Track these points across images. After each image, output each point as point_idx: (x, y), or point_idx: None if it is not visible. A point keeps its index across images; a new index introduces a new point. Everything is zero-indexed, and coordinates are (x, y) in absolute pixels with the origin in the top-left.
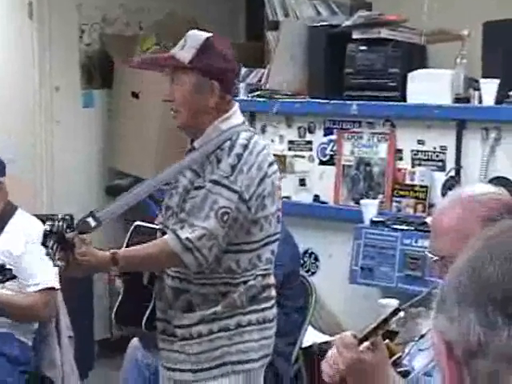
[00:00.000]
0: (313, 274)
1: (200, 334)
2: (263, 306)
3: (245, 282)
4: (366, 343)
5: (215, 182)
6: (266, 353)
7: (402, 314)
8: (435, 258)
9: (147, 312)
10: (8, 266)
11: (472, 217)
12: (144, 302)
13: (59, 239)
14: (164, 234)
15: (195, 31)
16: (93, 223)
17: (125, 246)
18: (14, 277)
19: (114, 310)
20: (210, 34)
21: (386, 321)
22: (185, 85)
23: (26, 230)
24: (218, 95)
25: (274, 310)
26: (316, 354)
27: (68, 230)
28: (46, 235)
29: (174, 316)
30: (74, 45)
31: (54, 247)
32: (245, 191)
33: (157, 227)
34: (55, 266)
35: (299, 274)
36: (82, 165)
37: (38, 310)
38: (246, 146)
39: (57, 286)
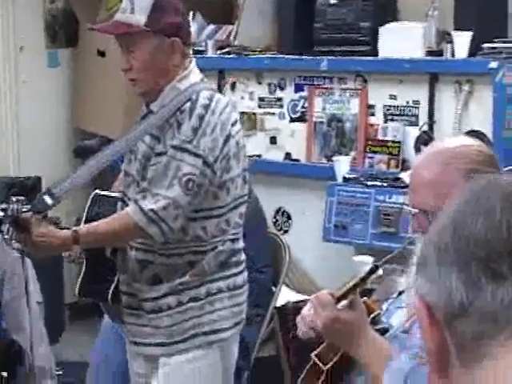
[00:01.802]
0: (285, 232)
1: (169, 307)
2: (233, 271)
3: (213, 249)
4: (344, 302)
5: (177, 148)
6: (238, 320)
7: (380, 271)
8: (415, 210)
9: (112, 285)
10: None
11: (453, 169)
12: (108, 275)
13: (14, 222)
14: (124, 202)
15: None
16: (49, 201)
17: (85, 216)
18: None
19: (78, 283)
20: None
21: (363, 279)
22: (144, 50)
23: None
24: (180, 51)
25: (245, 275)
26: (290, 313)
27: (24, 211)
28: (0, 220)
29: (139, 289)
30: (38, 3)
31: (10, 231)
32: (209, 155)
33: (117, 196)
34: (12, 249)
35: (261, 231)
36: (48, 125)
37: None
38: (207, 106)
39: None
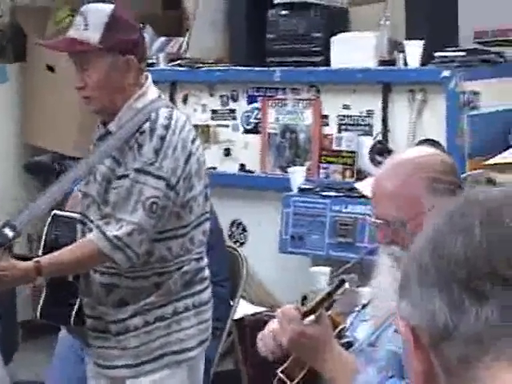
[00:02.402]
0: (241, 244)
1: (136, 327)
2: (198, 288)
3: (179, 269)
4: (311, 317)
5: (139, 171)
6: (204, 337)
7: (347, 285)
8: (380, 221)
9: (74, 308)
10: None
11: (415, 179)
12: (69, 298)
13: None
14: (84, 224)
15: (91, 6)
16: (10, 234)
17: (44, 238)
18: None
19: (39, 307)
20: (112, 6)
21: (330, 294)
22: (98, 68)
23: None
24: (135, 69)
25: (209, 291)
26: (247, 325)
27: None
28: None
29: (105, 312)
30: None
31: None
32: (172, 176)
33: (76, 216)
34: None
35: (220, 245)
36: None
37: None
38: (167, 126)
39: None
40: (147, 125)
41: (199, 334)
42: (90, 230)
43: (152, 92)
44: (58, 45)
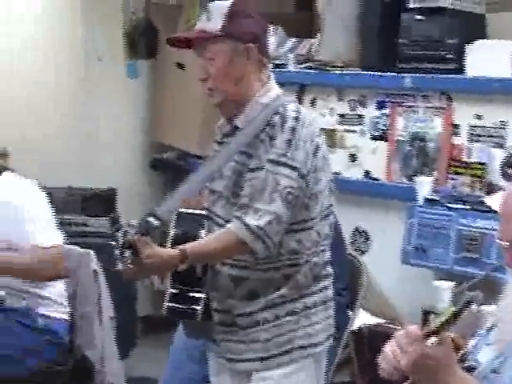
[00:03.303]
0: (363, 252)
1: (266, 320)
2: (325, 283)
3: (308, 261)
4: (433, 338)
5: (273, 162)
6: (330, 333)
7: (474, 306)
8: (507, 243)
9: (201, 303)
10: None
11: None
12: (195, 292)
13: (128, 246)
14: (210, 219)
15: (216, 2)
16: (155, 222)
17: (172, 235)
18: None
19: (165, 303)
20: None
21: (457, 314)
22: (219, 55)
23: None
24: (255, 59)
25: (332, 288)
26: (366, 337)
27: (133, 233)
28: (123, 247)
29: (234, 305)
30: (118, 13)
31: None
32: (303, 167)
33: (201, 213)
34: (120, 270)
35: (341, 248)
36: (126, 137)
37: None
38: (297, 119)
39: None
40: (277, 118)
41: (326, 330)
42: (217, 225)
43: (275, 89)
44: (181, 36)
